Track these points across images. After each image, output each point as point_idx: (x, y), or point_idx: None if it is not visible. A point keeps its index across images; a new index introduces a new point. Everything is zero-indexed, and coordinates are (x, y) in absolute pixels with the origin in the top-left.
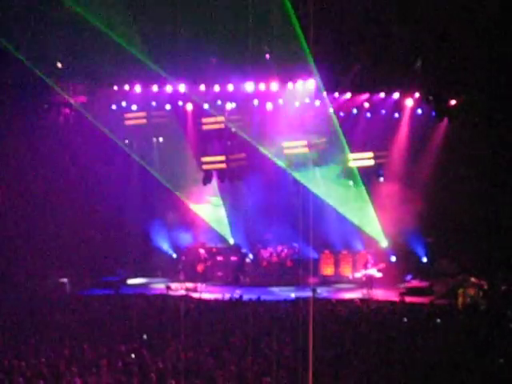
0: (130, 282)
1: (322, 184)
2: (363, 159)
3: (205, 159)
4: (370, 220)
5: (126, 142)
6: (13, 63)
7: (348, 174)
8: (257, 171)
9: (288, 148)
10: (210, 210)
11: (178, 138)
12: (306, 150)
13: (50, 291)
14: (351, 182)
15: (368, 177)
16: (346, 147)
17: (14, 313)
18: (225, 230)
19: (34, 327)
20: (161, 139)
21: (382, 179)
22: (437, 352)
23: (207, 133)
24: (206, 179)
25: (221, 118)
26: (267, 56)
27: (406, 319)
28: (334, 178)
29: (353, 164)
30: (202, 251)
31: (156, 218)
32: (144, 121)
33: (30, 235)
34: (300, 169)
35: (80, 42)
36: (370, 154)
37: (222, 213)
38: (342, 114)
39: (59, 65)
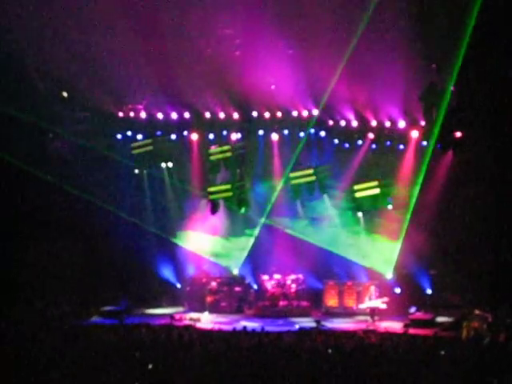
0: (136, 311)
1: (331, 212)
2: (369, 188)
3: (211, 189)
4: (376, 251)
5: (136, 171)
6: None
7: (355, 203)
8: (260, 200)
9: (294, 178)
10: (213, 240)
11: (185, 163)
12: (312, 177)
13: (52, 320)
14: (360, 214)
15: (375, 205)
16: (351, 177)
17: (15, 343)
18: (228, 260)
19: (36, 357)
20: (170, 164)
21: (390, 206)
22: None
23: (213, 162)
24: (214, 209)
25: (227, 147)
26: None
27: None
28: (342, 207)
29: (359, 194)
30: (213, 284)
31: (160, 247)
32: (151, 147)
33: (33, 263)
34: (308, 197)
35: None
36: (375, 183)
37: (225, 243)
38: (347, 145)
39: (65, 94)
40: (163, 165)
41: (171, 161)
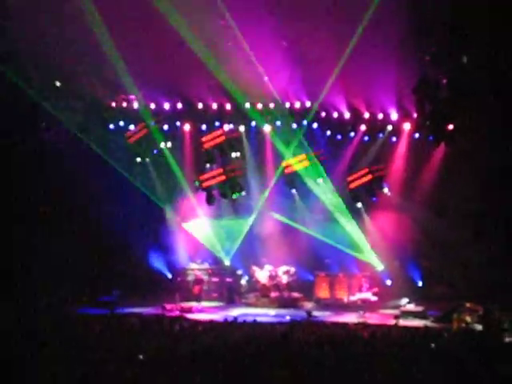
0: (127, 302)
1: (327, 199)
2: (361, 177)
3: (203, 177)
4: (369, 242)
5: (139, 160)
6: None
7: (351, 194)
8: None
9: (288, 166)
10: (205, 229)
11: (180, 147)
12: (306, 163)
13: (44, 310)
14: (360, 204)
15: (371, 192)
16: (344, 170)
17: (7, 332)
18: (220, 250)
19: (28, 346)
20: (169, 144)
21: (386, 190)
22: (431, 377)
23: (206, 151)
24: (210, 199)
25: (219, 132)
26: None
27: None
28: (337, 198)
29: (353, 185)
30: (198, 273)
31: (152, 237)
32: (146, 131)
33: (24, 253)
34: (303, 186)
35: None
36: (366, 170)
37: (218, 231)
38: (339, 136)
39: (58, 84)
40: (162, 145)
41: (169, 140)
